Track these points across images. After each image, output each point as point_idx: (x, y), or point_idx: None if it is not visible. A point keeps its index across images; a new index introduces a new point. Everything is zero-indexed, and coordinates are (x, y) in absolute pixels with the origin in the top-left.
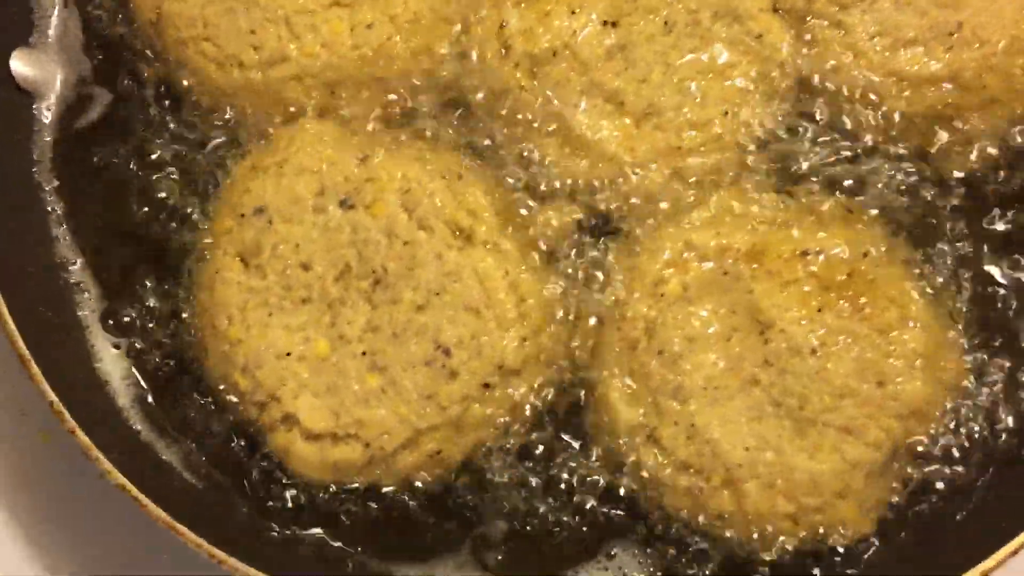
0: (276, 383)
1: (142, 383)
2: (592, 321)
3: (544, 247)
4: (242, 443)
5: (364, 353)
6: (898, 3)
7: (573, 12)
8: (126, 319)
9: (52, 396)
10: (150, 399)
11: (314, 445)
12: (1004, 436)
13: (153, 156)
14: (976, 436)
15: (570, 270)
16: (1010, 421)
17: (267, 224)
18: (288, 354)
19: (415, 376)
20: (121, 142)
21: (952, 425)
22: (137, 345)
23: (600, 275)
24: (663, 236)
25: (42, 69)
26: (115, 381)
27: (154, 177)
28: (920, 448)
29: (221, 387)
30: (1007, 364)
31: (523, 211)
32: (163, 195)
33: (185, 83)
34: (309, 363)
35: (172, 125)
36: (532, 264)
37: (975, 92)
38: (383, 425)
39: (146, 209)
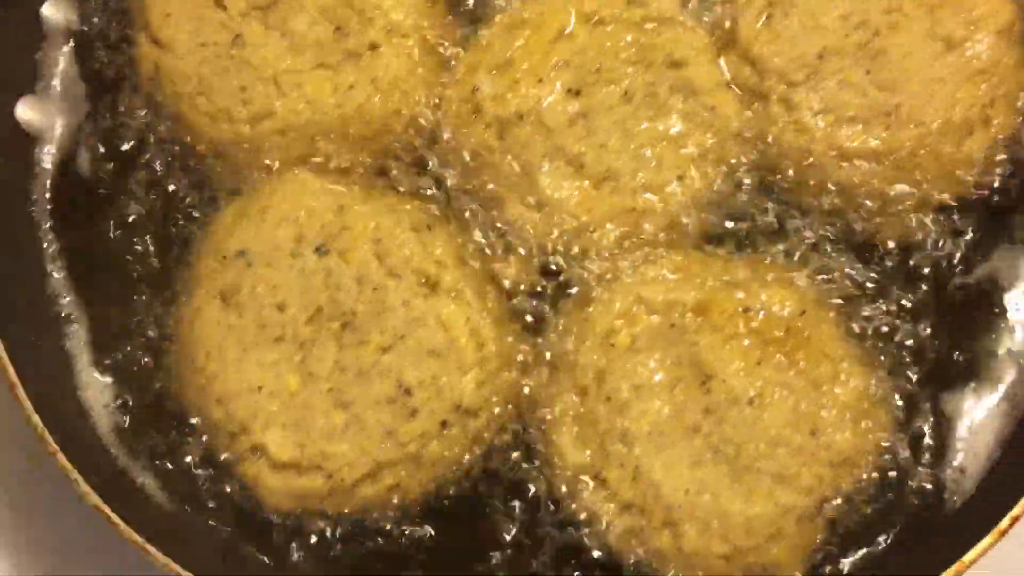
0: (248, 415)
1: (123, 412)
2: (546, 367)
3: (505, 297)
4: (213, 471)
5: (331, 390)
6: (841, 83)
7: (540, 80)
8: (111, 351)
9: (37, 421)
10: (130, 427)
11: (280, 475)
12: (928, 486)
13: (146, 200)
14: (900, 486)
15: (528, 318)
16: (935, 472)
17: (247, 266)
18: (260, 388)
19: (378, 413)
20: (116, 186)
21: (879, 475)
22: (120, 376)
23: (555, 324)
24: (615, 290)
25: (45, 115)
26: (98, 408)
27: (146, 219)
28: (849, 495)
29: (197, 418)
30: (931, 419)
31: (487, 262)
32: (153, 236)
33: (179, 134)
34: (279, 398)
35: (165, 172)
36: (493, 312)
37: (909, 169)
38: (345, 458)
39: (137, 248)
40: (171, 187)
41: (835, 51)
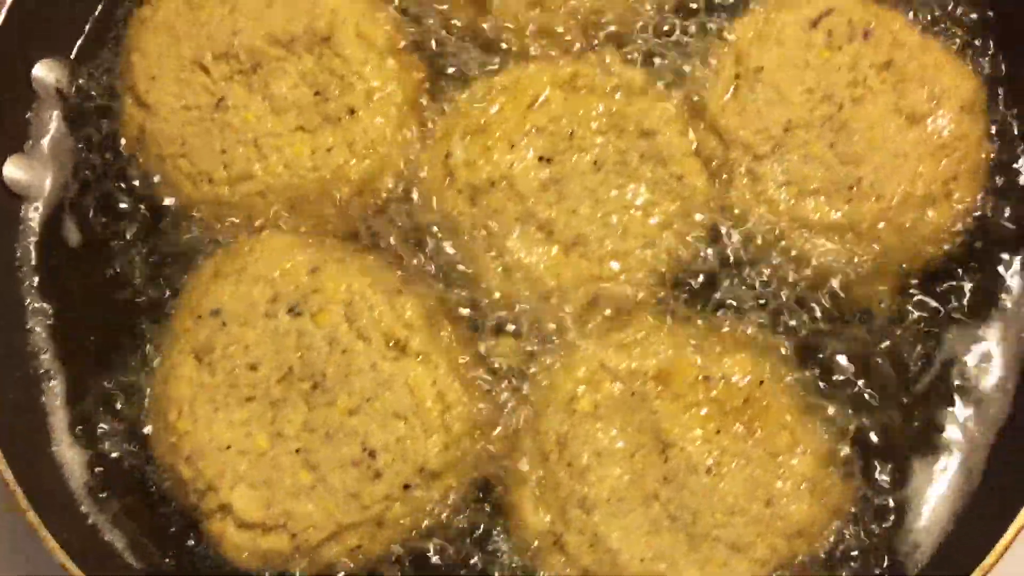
0: (216, 474)
1: (95, 469)
2: (510, 431)
3: (472, 360)
4: (182, 529)
5: (299, 451)
6: (805, 157)
7: (513, 147)
8: (87, 408)
9: (9, 476)
10: (101, 484)
11: (246, 533)
12: (884, 558)
13: (127, 259)
14: (855, 558)
15: (494, 383)
16: (890, 544)
17: (222, 326)
18: (229, 447)
19: (343, 475)
20: (98, 245)
21: (834, 547)
22: (94, 432)
23: (521, 388)
24: (580, 356)
25: (33, 174)
26: (71, 465)
27: (127, 277)
28: (803, 567)
29: (166, 475)
30: (887, 492)
31: (456, 326)
32: (133, 295)
33: (161, 194)
34: (248, 457)
35: (147, 232)
36: (460, 375)
37: (871, 241)
38: (310, 519)
39: (116, 307)
40: (152, 246)
41: (800, 124)
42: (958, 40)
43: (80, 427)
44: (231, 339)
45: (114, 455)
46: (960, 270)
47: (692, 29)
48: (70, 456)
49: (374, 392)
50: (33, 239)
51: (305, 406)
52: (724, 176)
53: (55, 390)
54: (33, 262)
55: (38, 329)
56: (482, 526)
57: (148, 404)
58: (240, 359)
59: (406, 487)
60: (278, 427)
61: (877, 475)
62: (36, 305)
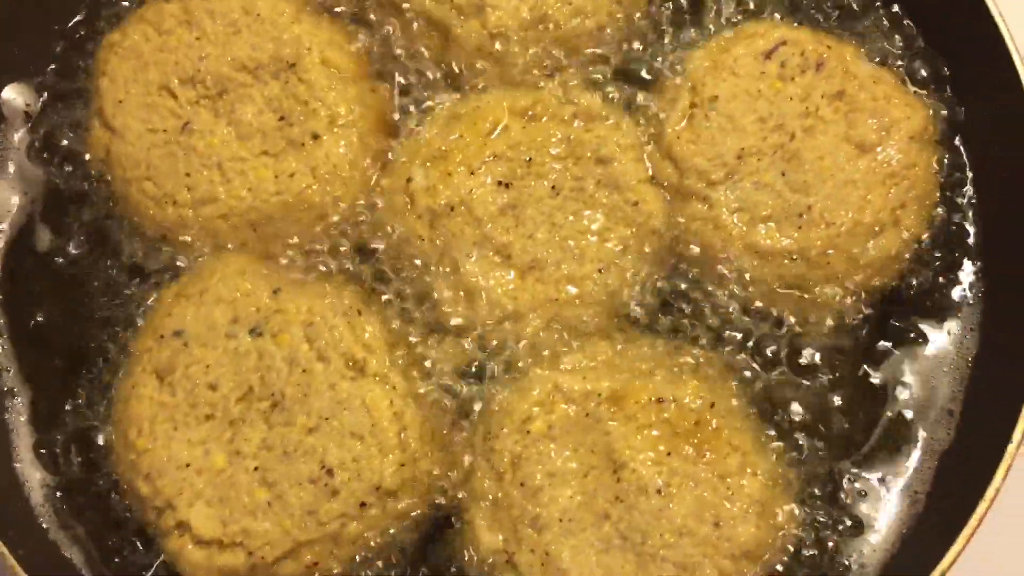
0: (174, 492)
1: (56, 486)
2: (466, 451)
3: (429, 381)
4: (140, 546)
5: (257, 468)
6: (757, 184)
7: (472, 173)
8: (50, 425)
9: None
10: (62, 501)
11: (203, 551)
12: None
13: (92, 279)
14: None
15: (451, 403)
16: (836, 565)
17: (183, 346)
18: (188, 465)
19: (300, 493)
20: (64, 265)
21: (780, 568)
22: (56, 450)
23: (477, 409)
24: (535, 378)
25: (1, 195)
26: (32, 481)
27: (91, 296)
28: None
29: (126, 492)
30: (834, 514)
31: (414, 347)
32: (98, 315)
33: (126, 215)
34: (206, 475)
35: (111, 252)
36: (417, 396)
37: (820, 267)
38: (267, 536)
39: (81, 326)
40: (116, 266)
41: (753, 152)
42: (908, 70)
43: (42, 444)
44: (192, 359)
45: (75, 473)
46: (908, 296)
47: (650, 59)
48: (31, 473)
49: (332, 412)
50: None
51: (264, 425)
52: (678, 202)
53: (19, 407)
54: None
55: (2, 347)
56: (436, 544)
57: (110, 423)
58: (201, 379)
59: (362, 505)
60: (236, 445)
61: (824, 499)
62: (1, 323)
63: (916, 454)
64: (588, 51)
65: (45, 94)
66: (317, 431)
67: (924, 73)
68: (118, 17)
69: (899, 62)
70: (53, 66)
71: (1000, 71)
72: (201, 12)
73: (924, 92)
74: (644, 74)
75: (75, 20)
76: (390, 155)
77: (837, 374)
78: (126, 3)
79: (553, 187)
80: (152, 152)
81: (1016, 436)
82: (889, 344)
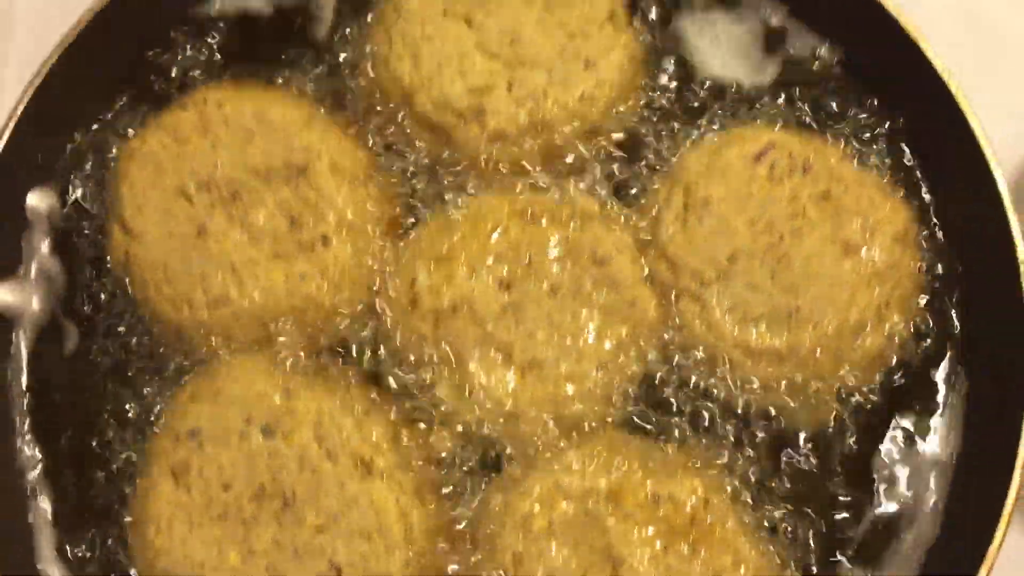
0: None
1: None
2: (470, 548)
3: (435, 478)
4: None
5: (268, 567)
6: (748, 285)
7: (474, 273)
8: (73, 525)
9: None
10: None
11: None
12: None
13: (111, 379)
14: None
15: (456, 500)
16: None
17: (198, 446)
18: (202, 564)
19: None
20: (86, 366)
21: None
22: (79, 552)
23: (481, 506)
24: (536, 476)
25: (24, 298)
26: None
27: (111, 397)
28: None
29: None
30: None
31: (420, 446)
32: (116, 413)
33: (145, 316)
34: (220, 574)
35: (130, 352)
36: (422, 493)
37: (809, 366)
38: None
39: (101, 424)
40: (135, 367)
41: (744, 253)
42: (891, 170)
43: (66, 544)
44: (207, 459)
45: (96, 571)
46: (893, 394)
47: (644, 162)
48: (55, 572)
49: (341, 510)
50: (24, 360)
51: (275, 523)
52: (673, 302)
53: (42, 508)
54: (23, 382)
55: (26, 449)
56: None
57: (129, 521)
58: (215, 478)
59: None
60: (249, 544)
61: None
62: (25, 424)
63: (903, 549)
64: (585, 153)
65: (68, 199)
66: (326, 530)
67: (907, 172)
68: (138, 123)
69: (883, 163)
70: (76, 172)
71: (975, 173)
72: (217, 120)
73: (906, 190)
74: (639, 175)
75: (97, 126)
76: (397, 256)
77: (827, 470)
78: (145, 111)
79: (552, 287)
80: (169, 255)
81: (997, 536)
82: (876, 440)
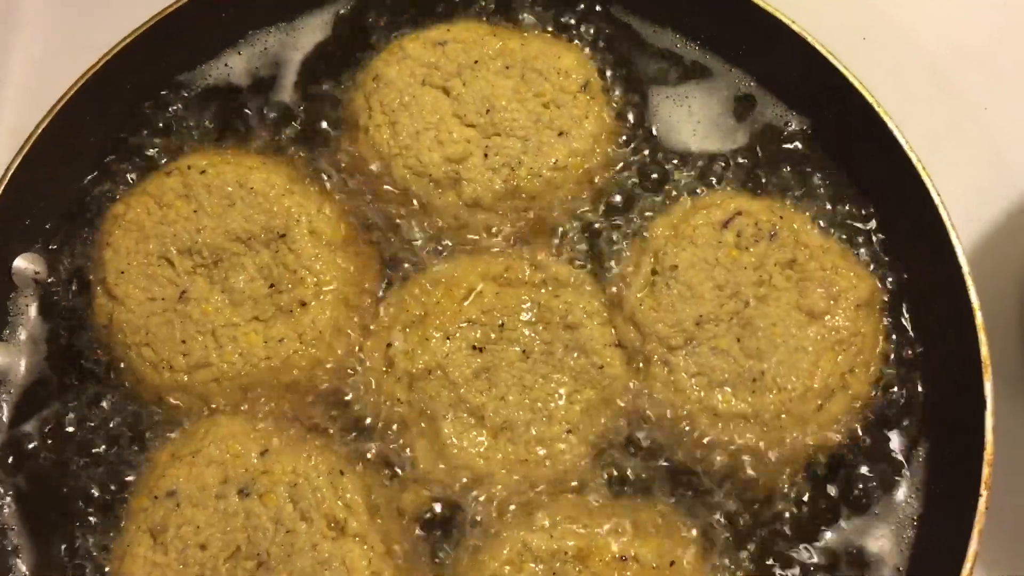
0: None
1: None
2: None
3: (407, 539)
4: None
5: None
6: (714, 350)
7: (448, 338)
8: None
9: None
10: None
11: None
12: None
13: (93, 439)
14: None
15: (426, 560)
16: None
17: (176, 506)
18: None
19: None
20: (68, 428)
21: None
22: None
23: (452, 567)
24: (505, 537)
25: (10, 360)
26: None
27: (92, 458)
28: None
29: None
30: None
31: (392, 506)
32: (98, 475)
33: (126, 379)
34: None
35: (111, 413)
36: (395, 553)
37: (774, 430)
38: None
39: (81, 485)
40: (116, 428)
41: (710, 319)
42: (854, 237)
43: None
44: (184, 519)
45: None
46: (856, 457)
47: (614, 228)
48: None
49: (314, 571)
50: (5, 419)
51: None
52: (641, 366)
53: (21, 566)
54: (5, 444)
55: (6, 509)
56: None
57: None
58: (191, 539)
59: None
60: None
61: None
62: (6, 484)
63: None
64: (557, 219)
65: (54, 263)
66: None
67: (871, 241)
68: (123, 189)
69: (847, 230)
70: (61, 236)
71: (935, 240)
72: (199, 186)
73: (870, 258)
74: (609, 242)
75: (82, 192)
76: (373, 320)
77: (790, 532)
78: (130, 176)
79: (524, 351)
80: (151, 319)
81: None
82: (839, 503)
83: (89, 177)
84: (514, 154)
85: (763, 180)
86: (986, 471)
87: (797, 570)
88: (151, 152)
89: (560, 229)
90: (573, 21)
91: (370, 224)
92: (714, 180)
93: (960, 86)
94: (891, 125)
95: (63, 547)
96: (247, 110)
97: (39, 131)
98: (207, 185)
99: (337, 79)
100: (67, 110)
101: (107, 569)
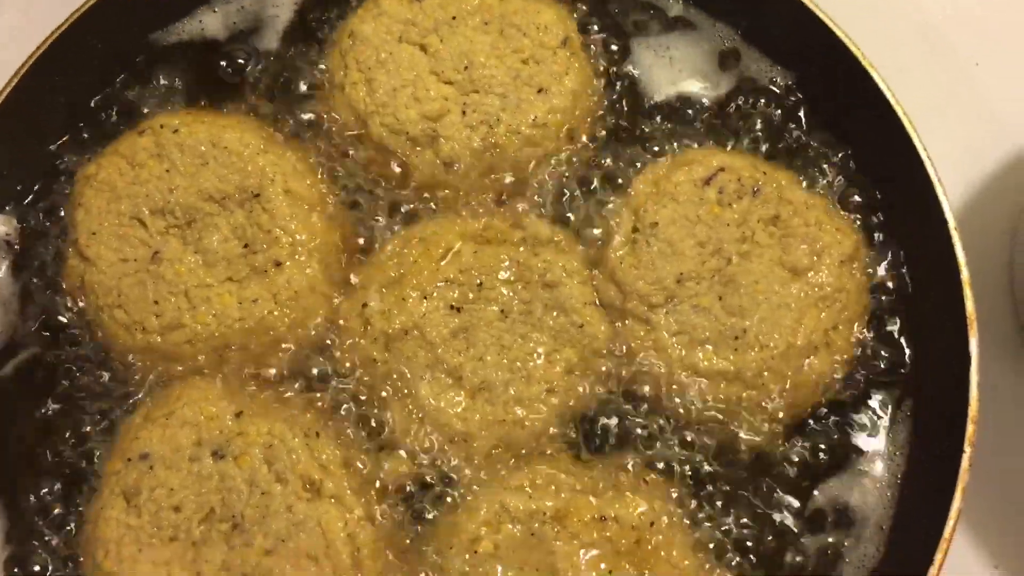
0: None
1: None
2: (418, 569)
3: (383, 500)
4: None
5: None
6: (695, 308)
7: (425, 297)
8: (24, 545)
9: None
10: None
11: None
12: None
13: (65, 402)
14: None
15: (403, 522)
16: None
17: (149, 469)
18: None
19: None
20: (41, 388)
21: None
22: (32, 567)
23: (428, 528)
24: (482, 498)
25: None
26: None
27: (65, 420)
28: None
29: None
30: None
31: (369, 467)
32: (70, 436)
33: (98, 340)
34: None
35: (84, 375)
36: (371, 515)
37: (756, 388)
38: None
39: (54, 447)
40: (88, 390)
41: (691, 277)
42: (839, 195)
43: (16, 566)
44: (157, 482)
45: None
46: (840, 415)
47: (595, 186)
48: None
49: (289, 533)
50: None
51: (225, 546)
52: (621, 324)
53: None
54: None
55: None
56: None
57: (80, 543)
58: (165, 501)
59: None
60: (198, 567)
61: None
62: None
63: (848, 569)
64: (537, 177)
65: (26, 225)
66: (274, 552)
67: (856, 196)
68: (95, 149)
69: (831, 187)
70: (33, 197)
71: (922, 196)
72: (172, 145)
73: (854, 216)
74: (590, 200)
75: (54, 153)
76: (349, 280)
77: (772, 492)
78: (102, 137)
79: (502, 310)
80: (123, 280)
81: (937, 557)
82: (822, 462)
83: (61, 138)
84: (492, 111)
85: (746, 136)
86: (970, 428)
87: (780, 529)
88: (123, 112)
89: (540, 187)
90: None
91: (346, 183)
92: (696, 136)
93: (951, 42)
94: (878, 80)
95: (35, 510)
96: (221, 69)
97: (8, 89)
98: (180, 144)
99: (313, 37)
100: (37, 70)
101: (80, 532)
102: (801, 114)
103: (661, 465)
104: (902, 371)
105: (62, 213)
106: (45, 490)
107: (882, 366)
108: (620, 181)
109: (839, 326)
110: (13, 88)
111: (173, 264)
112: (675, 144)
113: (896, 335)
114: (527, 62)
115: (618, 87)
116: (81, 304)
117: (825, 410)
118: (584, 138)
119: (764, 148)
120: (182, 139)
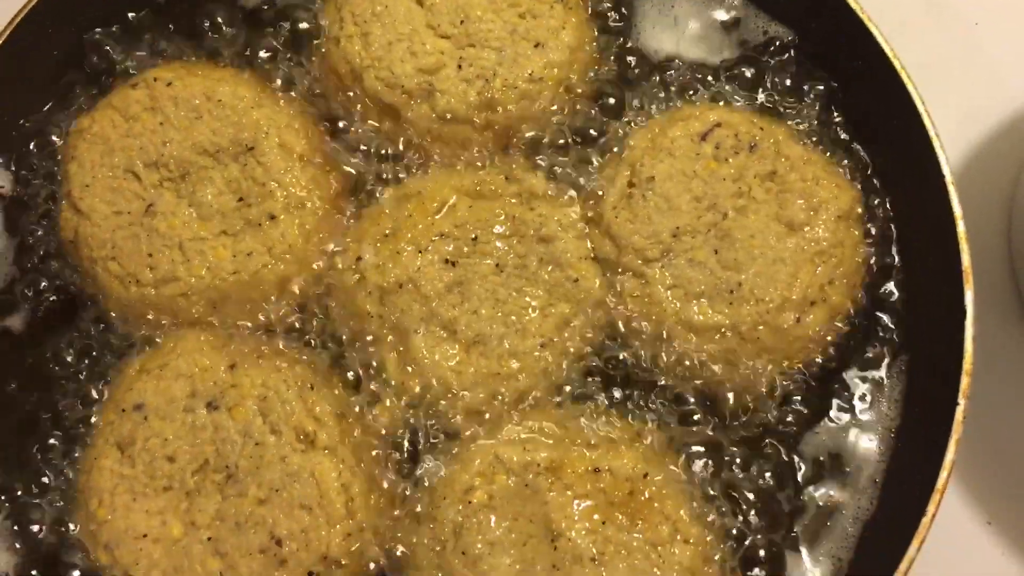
0: (130, 561)
1: (21, 553)
2: (411, 520)
3: (377, 452)
4: None
5: (210, 539)
6: (690, 261)
7: (420, 251)
8: (18, 495)
9: None
10: (26, 567)
11: None
12: None
13: (58, 353)
14: None
15: (397, 473)
16: None
17: (143, 419)
18: (145, 536)
19: (250, 563)
20: (33, 340)
21: None
22: (24, 520)
23: (422, 480)
24: (476, 449)
25: None
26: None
27: (56, 371)
28: None
29: (88, 561)
30: None
31: (363, 420)
32: (64, 388)
33: (92, 293)
34: (162, 545)
35: (78, 328)
36: (365, 467)
37: (751, 342)
38: None
39: (49, 399)
40: (82, 342)
41: (687, 231)
42: (836, 152)
43: (10, 516)
44: (151, 432)
45: (41, 541)
46: (835, 370)
47: (591, 140)
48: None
49: (282, 483)
50: None
51: (218, 496)
52: (617, 278)
53: None
54: None
55: None
56: None
57: (74, 493)
58: (159, 451)
59: (310, 574)
60: (192, 516)
61: (753, 565)
62: None
63: (841, 524)
64: (533, 132)
65: (20, 176)
66: (268, 502)
67: (853, 152)
68: (88, 102)
69: (830, 142)
70: (27, 150)
71: (920, 151)
72: (165, 98)
73: (852, 170)
74: (586, 154)
75: (48, 106)
76: (343, 234)
77: (766, 446)
78: (94, 89)
79: (497, 264)
80: (117, 233)
81: (930, 509)
82: (817, 415)
83: (53, 90)
84: (489, 66)
85: (745, 92)
86: (965, 381)
87: (774, 482)
88: (116, 66)
89: (535, 142)
90: None
91: (341, 137)
92: (696, 91)
93: (952, 2)
94: (879, 38)
95: (30, 460)
96: (215, 21)
97: (0, 40)
98: (174, 97)
99: None
100: (29, 19)
101: (75, 481)
102: (801, 71)
103: (655, 418)
104: (898, 325)
105: (56, 167)
106: (40, 442)
107: (878, 321)
108: (617, 136)
109: (835, 281)
110: (5, 40)
111: (167, 217)
112: (673, 99)
113: (893, 289)
114: (524, 16)
115: (617, 41)
116: (75, 258)
117: (820, 363)
118: (581, 93)
119: (762, 103)
120: (176, 92)
